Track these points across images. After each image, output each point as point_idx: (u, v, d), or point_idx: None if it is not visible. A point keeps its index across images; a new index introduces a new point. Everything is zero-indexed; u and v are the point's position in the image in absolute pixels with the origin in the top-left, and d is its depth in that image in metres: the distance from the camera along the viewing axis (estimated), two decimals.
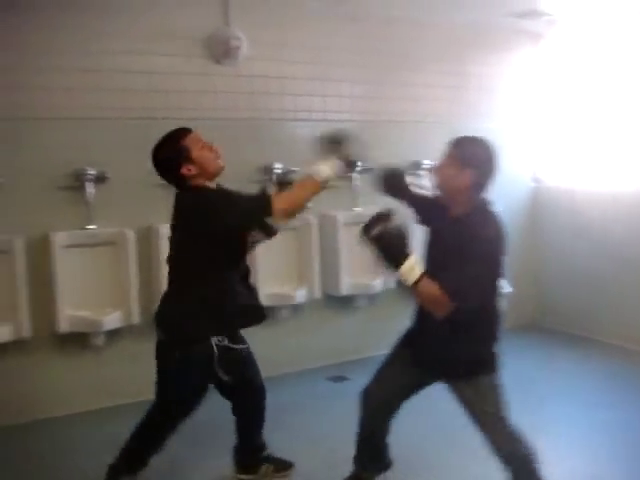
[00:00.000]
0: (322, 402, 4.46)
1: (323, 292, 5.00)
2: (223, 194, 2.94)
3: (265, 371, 3.45)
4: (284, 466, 3.38)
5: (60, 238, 4.19)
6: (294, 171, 4.77)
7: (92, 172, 4.30)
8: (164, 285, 4.40)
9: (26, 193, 4.19)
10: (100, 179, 4.33)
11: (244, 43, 4.70)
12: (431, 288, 2.54)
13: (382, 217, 2.63)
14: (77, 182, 4.28)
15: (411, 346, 3.00)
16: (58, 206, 4.29)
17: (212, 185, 2.97)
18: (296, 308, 4.97)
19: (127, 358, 4.52)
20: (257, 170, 4.85)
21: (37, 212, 4.22)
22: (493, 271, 2.68)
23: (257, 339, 4.90)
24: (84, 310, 4.25)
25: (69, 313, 4.20)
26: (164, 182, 4.44)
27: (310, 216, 4.84)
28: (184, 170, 2.86)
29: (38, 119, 4.19)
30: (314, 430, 4.02)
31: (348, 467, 3.17)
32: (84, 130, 4.32)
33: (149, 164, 4.41)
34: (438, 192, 2.87)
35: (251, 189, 4.72)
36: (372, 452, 3.11)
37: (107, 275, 4.35)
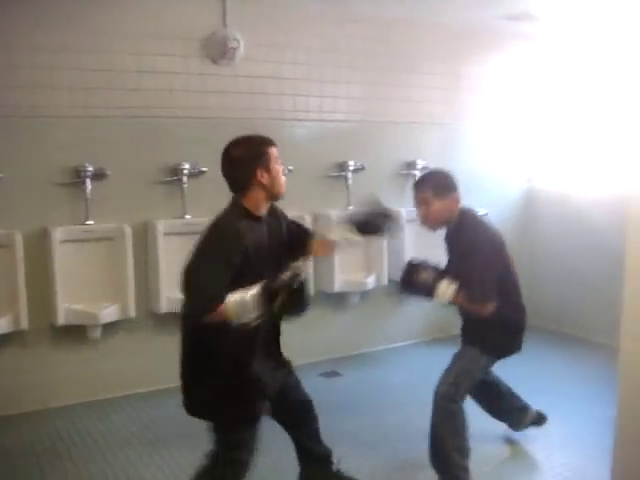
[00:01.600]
0: (314, 398, 4.52)
1: (316, 289, 5.08)
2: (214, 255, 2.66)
3: None
4: None
5: (59, 233, 4.26)
6: (290, 170, 4.86)
7: (91, 169, 4.37)
8: (160, 279, 4.52)
9: (26, 188, 4.27)
10: (99, 176, 4.41)
11: (241, 44, 4.77)
12: (464, 302, 3.19)
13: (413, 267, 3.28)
14: (76, 178, 4.36)
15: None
16: (57, 202, 4.37)
17: (264, 208, 2.84)
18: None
19: (123, 351, 4.61)
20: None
21: (36, 207, 4.30)
22: (496, 264, 3.22)
23: None
24: (81, 303, 4.33)
25: (67, 306, 4.28)
26: (163, 179, 4.60)
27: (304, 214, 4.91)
28: (258, 174, 2.75)
29: (39, 117, 4.26)
30: None
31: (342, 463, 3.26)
32: (84, 128, 4.39)
33: (147, 161, 4.56)
34: (433, 229, 3.41)
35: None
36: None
37: (104, 269, 4.43)
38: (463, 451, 3.21)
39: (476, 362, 3.35)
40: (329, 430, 3.50)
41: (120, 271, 4.42)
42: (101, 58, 4.40)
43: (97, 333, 4.42)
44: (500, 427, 3.90)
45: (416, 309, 5.78)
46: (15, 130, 4.21)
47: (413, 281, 3.24)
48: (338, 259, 5.08)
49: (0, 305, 4.11)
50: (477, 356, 3.34)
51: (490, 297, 3.14)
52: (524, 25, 5.73)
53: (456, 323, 5.58)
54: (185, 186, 4.65)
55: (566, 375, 5.02)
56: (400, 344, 5.65)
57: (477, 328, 3.34)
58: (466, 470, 3.19)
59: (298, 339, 5.16)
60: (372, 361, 5.32)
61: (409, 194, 5.56)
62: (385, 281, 5.37)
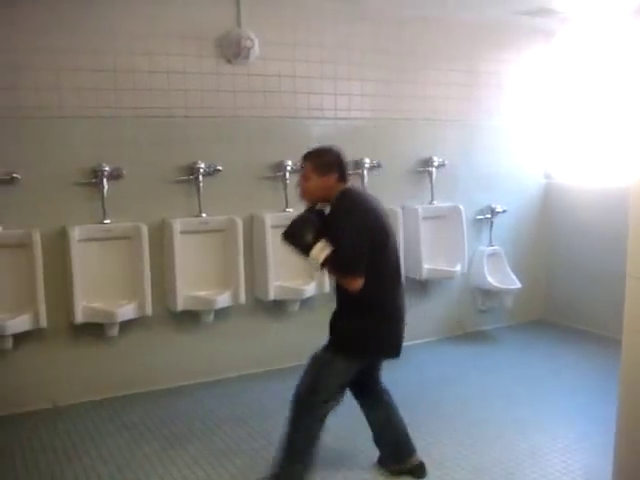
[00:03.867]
0: None
1: (331, 286, 5.08)
2: None
3: (276, 364, 3.48)
4: None
5: (77, 232, 4.33)
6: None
7: (107, 168, 4.43)
8: (177, 277, 4.57)
9: (45, 188, 4.33)
10: (115, 175, 4.47)
11: (256, 43, 4.79)
12: (332, 269, 3.08)
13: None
14: (94, 178, 4.42)
15: None
16: (75, 201, 4.43)
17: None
18: (305, 302, 5.08)
19: (141, 349, 4.69)
20: (269, 167, 4.96)
21: (55, 207, 4.36)
22: (365, 236, 3.04)
23: (269, 332, 5.08)
24: (99, 302, 4.40)
25: (85, 305, 4.35)
26: (179, 178, 4.63)
27: None
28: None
29: (57, 117, 4.32)
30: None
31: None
32: (101, 128, 4.45)
33: (163, 161, 4.60)
34: (310, 203, 3.27)
35: (263, 185, 4.90)
36: None
37: (122, 268, 4.49)
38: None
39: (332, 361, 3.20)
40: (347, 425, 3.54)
41: (137, 269, 4.48)
42: (117, 59, 4.45)
43: (114, 331, 4.49)
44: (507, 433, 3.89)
45: (433, 306, 5.79)
46: (32, 130, 4.27)
47: (295, 234, 3.11)
48: None
49: (20, 303, 4.19)
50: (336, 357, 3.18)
51: (356, 269, 2.99)
52: (543, 21, 5.69)
53: (472, 321, 5.64)
54: (201, 185, 4.69)
55: (581, 371, 5.01)
56: (417, 342, 5.63)
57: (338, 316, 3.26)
58: None
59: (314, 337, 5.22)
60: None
61: (425, 191, 5.61)
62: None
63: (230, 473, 3.50)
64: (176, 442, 3.87)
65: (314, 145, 4.96)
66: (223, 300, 4.70)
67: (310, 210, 3.23)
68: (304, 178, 3.20)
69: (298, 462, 3.18)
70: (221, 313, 4.81)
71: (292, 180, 4.79)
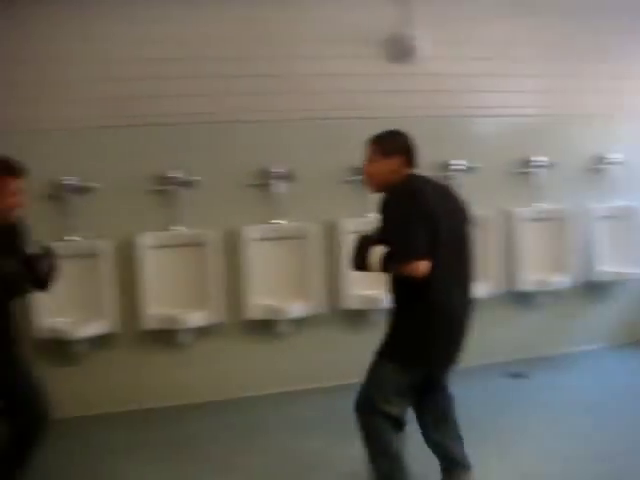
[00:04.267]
0: (500, 398, 4.43)
1: (504, 288, 4.99)
2: None
3: None
4: None
5: (252, 232, 4.52)
6: (475, 168, 4.83)
7: (279, 170, 4.58)
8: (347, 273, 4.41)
9: (220, 191, 4.56)
10: (288, 177, 4.60)
11: (422, 42, 4.77)
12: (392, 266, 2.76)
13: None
14: (265, 180, 4.59)
15: None
16: (247, 203, 4.62)
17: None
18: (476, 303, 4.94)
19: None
20: (435, 167, 4.90)
21: (229, 208, 4.58)
22: (420, 220, 2.72)
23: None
24: (270, 299, 4.54)
25: (257, 302, 4.54)
26: (349, 179, 4.67)
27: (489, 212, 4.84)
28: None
29: (229, 122, 4.55)
30: (486, 424, 3.98)
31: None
32: (273, 131, 4.62)
33: (334, 162, 4.67)
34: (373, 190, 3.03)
35: None
36: None
37: (293, 267, 4.62)
38: None
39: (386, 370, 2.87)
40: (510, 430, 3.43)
41: (308, 268, 4.60)
42: (281, 64, 4.60)
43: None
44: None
45: (605, 312, 5.47)
46: (211, 136, 4.53)
47: (357, 262, 2.90)
48: (524, 258, 4.99)
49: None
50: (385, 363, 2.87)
51: (418, 251, 2.66)
52: None
53: None
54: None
55: None
56: (586, 348, 5.34)
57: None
58: None
59: (484, 338, 5.08)
60: (559, 364, 5.08)
61: (601, 190, 5.30)
62: (575, 281, 5.15)
63: None
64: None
65: (484, 144, 4.92)
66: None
67: (365, 237, 2.94)
68: (368, 161, 2.99)
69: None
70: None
71: (458, 178, 4.78)
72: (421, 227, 2.70)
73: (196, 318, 4.41)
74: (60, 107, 4.28)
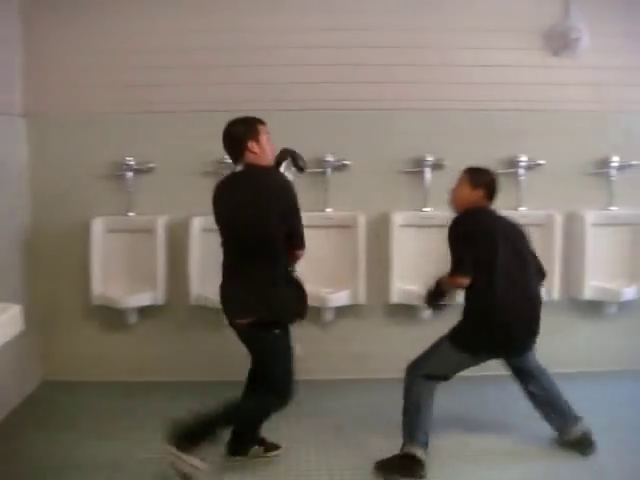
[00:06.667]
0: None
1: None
2: None
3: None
4: (273, 447, 3.57)
5: (399, 218, 4.62)
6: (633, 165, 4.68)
7: (431, 159, 4.65)
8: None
9: (370, 176, 4.68)
10: (438, 166, 4.65)
11: (584, 34, 4.64)
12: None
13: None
14: (417, 167, 4.68)
15: None
16: (400, 188, 4.73)
17: None
18: (623, 305, 4.77)
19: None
20: (595, 163, 4.80)
21: (378, 193, 4.71)
22: (473, 244, 3.34)
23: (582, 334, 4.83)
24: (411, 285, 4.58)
25: (400, 286, 4.62)
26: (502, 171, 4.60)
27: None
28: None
29: (387, 110, 4.66)
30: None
31: None
32: (426, 120, 4.67)
33: (480, 153, 4.59)
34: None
35: (584, 180, 4.75)
36: None
37: (438, 253, 4.57)
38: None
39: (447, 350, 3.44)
40: None
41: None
42: (442, 54, 4.64)
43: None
44: None
45: None
46: (370, 122, 4.66)
47: (430, 298, 3.60)
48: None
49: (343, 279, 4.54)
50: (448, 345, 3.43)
51: (461, 269, 3.30)
52: None
53: None
54: (522, 179, 4.69)
55: None
56: None
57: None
58: None
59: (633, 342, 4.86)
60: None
61: None
62: None
63: None
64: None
65: None
66: None
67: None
68: (457, 186, 3.54)
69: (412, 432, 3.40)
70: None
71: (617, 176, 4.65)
72: (470, 247, 3.30)
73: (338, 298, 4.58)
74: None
